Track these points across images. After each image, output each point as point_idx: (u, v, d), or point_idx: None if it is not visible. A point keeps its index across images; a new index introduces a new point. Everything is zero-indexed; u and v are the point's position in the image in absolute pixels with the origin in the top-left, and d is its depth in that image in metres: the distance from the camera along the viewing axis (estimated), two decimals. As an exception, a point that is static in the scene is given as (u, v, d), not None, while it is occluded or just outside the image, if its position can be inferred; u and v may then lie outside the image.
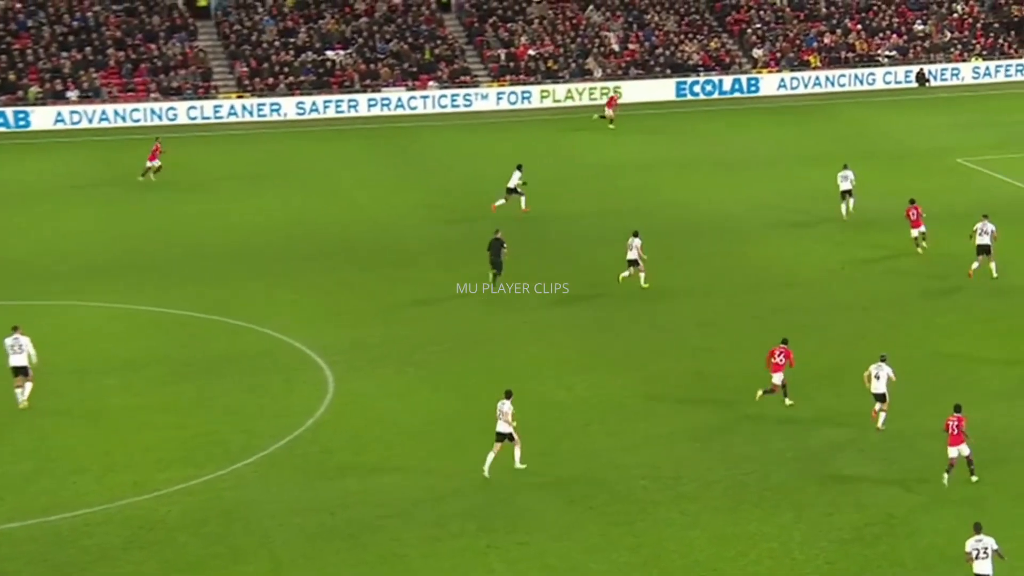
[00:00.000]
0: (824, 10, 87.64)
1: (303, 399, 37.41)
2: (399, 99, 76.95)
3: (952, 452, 32.04)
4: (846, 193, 54.07)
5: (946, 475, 32.04)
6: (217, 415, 36.57)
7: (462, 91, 78.06)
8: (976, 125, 71.88)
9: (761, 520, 30.63)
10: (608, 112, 72.35)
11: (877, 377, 35.04)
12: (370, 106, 76.56)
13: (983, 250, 46.26)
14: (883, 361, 35.29)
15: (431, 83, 78.55)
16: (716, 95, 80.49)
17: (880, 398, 35.08)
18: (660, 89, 79.96)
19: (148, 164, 60.78)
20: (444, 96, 77.59)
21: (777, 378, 36.38)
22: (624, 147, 67.89)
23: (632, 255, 45.72)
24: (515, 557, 29.27)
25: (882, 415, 35.07)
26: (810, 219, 54.43)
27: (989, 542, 27.19)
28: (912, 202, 49.68)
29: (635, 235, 46.01)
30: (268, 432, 35.24)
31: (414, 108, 76.96)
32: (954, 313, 43.51)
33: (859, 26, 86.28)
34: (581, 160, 65.34)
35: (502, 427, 32.82)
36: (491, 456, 32.69)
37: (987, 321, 42.66)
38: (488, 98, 78.29)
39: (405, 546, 29.69)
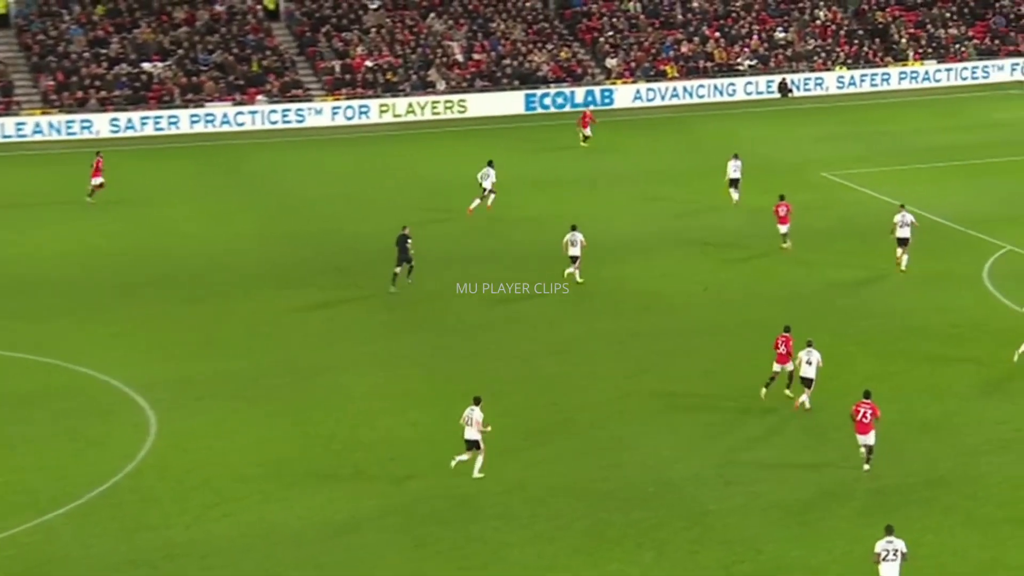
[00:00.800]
0: (680, 17, 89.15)
1: (121, 442, 36.70)
2: (225, 115, 76.29)
3: (861, 440, 34.42)
4: (735, 182, 58.59)
5: (866, 465, 34.42)
6: (23, 461, 35.67)
7: (294, 106, 77.70)
8: (841, 137, 73.67)
9: (622, 560, 30.77)
10: (584, 131, 71.43)
11: (808, 363, 38.01)
12: (193, 123, 75.80)
13: (904, 243, 49.57)
14: (810, 346, 38.18)
15: (260, 97, 78.04)
16: (568, 108, 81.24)
17: (807, 383, 37.85)
18: (508, 102, 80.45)
19: (93, 182, 60.08)
20: (274, 111, 77.12)
21: (780, 367, 38.63)
22: (472, 163, 68.09)
23: (575, 251, 48.52)
24: (358, 607, 29.10)
25: (804, 396, 37.92)
26: (670, 238, 55.12)
27: (899, 544, 28.10)
28: (781, 198, 52.59)
29: (574, 229, 48.89)
30: (82, 479, 34.48)
31: (242, 124, 76.35)
32: (822, 335, 44.28)
33: (717, 34, 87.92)
34: (425, 178, 65.42)
35: (470, 434, 34.28)
36: (459, 458, 34.36)
37: (860, 343, 43.51)
38: (323, 113, 78.03)
39: (236, 599, 29.34)
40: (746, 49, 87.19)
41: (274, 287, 49.24)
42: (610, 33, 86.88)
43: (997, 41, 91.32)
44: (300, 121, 77.32)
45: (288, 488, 34.15)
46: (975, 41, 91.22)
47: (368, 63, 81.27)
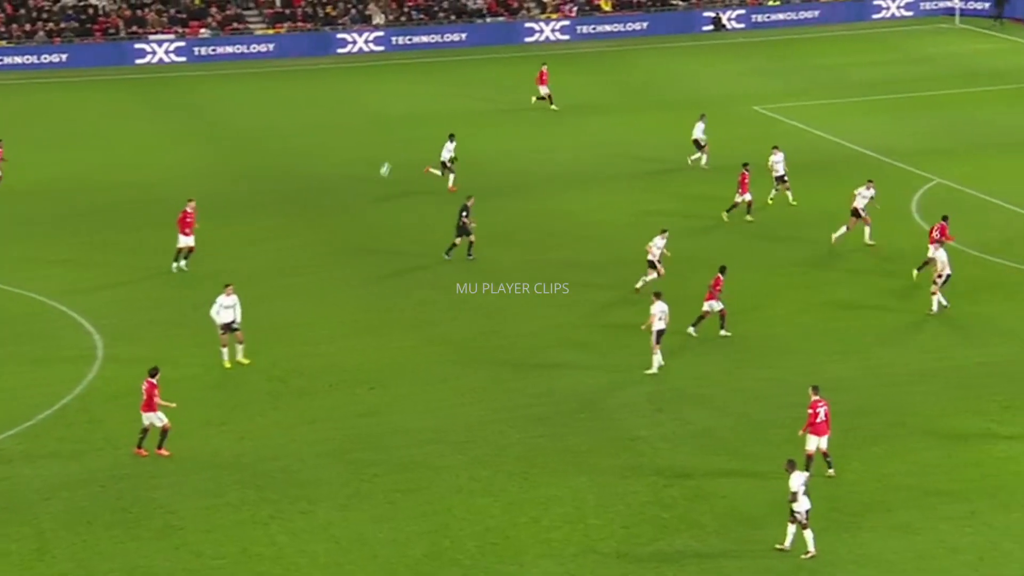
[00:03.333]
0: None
1: (69, 366, 36.90)
2: (168, 48, 75.56)
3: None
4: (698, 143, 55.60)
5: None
6: (-27, 386, 35.79)
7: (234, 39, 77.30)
8: (773, 72, 73.39)
9: (555, 484, 31.12)
10: (542, 90, 64.87)
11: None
12: (138, 57, 75.19)
13: (781, 179, 50.30)
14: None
15: (203, 31, 77.40)
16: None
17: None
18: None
19: None
20: (213, 46, 76.45)
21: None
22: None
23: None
24: (299, 528, 29.45)
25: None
26: (613, 172, 55.23)
27: None
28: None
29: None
30: (31, 401, 34.69)
31: (183, 58, 75.78)
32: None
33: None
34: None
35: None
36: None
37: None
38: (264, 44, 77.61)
39: (182, 519, 29.65)
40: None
41: (215, 218, 47.96)
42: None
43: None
44: (241, 56, 76.62)
45: (237, 407, 34.65)
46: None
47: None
